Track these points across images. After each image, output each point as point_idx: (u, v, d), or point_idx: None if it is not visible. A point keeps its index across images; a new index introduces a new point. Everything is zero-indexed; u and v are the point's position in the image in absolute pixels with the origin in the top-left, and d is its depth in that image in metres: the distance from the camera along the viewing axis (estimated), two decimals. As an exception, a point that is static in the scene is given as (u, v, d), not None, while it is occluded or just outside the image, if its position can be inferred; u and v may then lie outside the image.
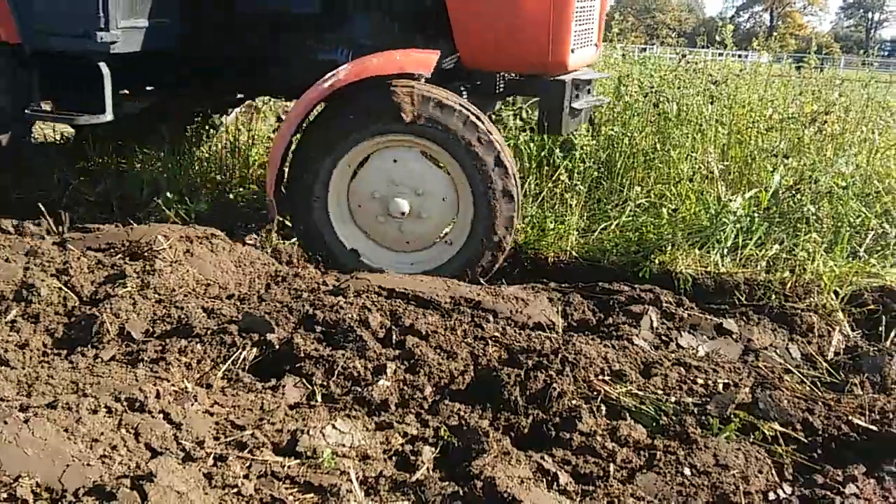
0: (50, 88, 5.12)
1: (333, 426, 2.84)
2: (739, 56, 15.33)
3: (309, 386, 3.16)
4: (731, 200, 5.11)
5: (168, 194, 5.52)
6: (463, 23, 4.73)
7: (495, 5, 4.64)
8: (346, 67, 4.39)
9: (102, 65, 4.83)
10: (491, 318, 3.64)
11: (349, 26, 5.21)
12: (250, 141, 6.87)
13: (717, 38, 7.51)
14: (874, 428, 2.90)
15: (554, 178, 5.72)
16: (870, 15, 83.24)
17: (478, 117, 4.39)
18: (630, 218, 5.41)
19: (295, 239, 4.81)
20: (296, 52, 5.30)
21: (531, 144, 5.94)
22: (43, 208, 4.86)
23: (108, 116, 4.97)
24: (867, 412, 3.01)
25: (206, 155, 6.75)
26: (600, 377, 3.18)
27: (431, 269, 4.54)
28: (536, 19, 4.59)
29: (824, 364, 3.54)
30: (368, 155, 4.54)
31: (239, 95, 6.43)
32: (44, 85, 5.07)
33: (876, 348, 3.74)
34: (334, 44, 5.20)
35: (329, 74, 4.39)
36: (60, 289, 3.71)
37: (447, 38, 4.86)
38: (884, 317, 4.10)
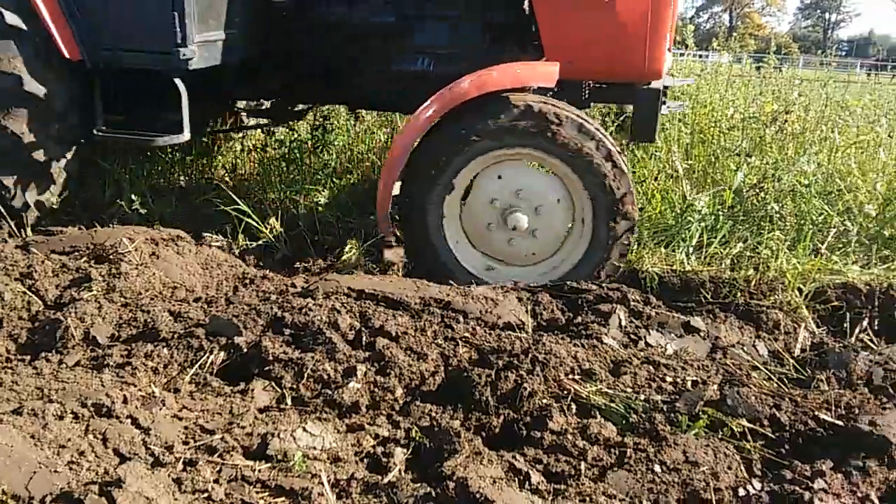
0: (113, 106, 4.91)
1: (304, 429, 2.82)
2: (700, 56, 15.49)
3: (278, 389, 3.14)
4: (695, 199, 5.15)
5: (132, 196, 5.46)
6: (554, 31, 4.65)
7: (591, 14, 4.55)
8: (465, 81, 4.26)
9: (179, 81, 4.68)
10: (461, 319, 3.64)
11: (428, 35, 5.12)
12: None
13: (678, 38, 7.57)
14: (840, 423, 2.93)
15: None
16: (827, 15, 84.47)
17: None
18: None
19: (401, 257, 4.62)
20: (374, 61, 5.19)
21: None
22: (3, 211, 4.78)
23: (186, 136, 4.81)
24: (833, 407, 3.04)
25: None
26: (570, 376, 3.19)
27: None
28: (635, 26, 4.51)
29: (791, 360, 3.59)
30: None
31: (302, 106, 6.23)
32: (107, 103, 4.86)
33: (841, 344, 3.79)
34: (414, 53, 5.10)
35: (446, 88, 4.26)
36: (24, 293, 3.66)
37: (531, 46, 4.81)
38: (847, 313, 4.15)
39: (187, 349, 3.29)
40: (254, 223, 4.99)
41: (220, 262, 4.24)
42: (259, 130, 7.03)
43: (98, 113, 4.83)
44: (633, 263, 4.75)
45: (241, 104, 6.60)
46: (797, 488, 2.60)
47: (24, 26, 4.54)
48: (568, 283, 4.14)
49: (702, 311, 4.07)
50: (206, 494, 2.47)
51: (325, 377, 3.16)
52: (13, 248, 4.08)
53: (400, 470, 2.71)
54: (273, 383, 3.16)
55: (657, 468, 2.70)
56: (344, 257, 4.79)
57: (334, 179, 6.33)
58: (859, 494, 2.63)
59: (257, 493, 2.54)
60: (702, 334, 3.73)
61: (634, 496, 2.60)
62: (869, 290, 4.30)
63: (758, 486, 2.67)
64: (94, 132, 4.82)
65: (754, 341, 3.75)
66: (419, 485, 2.58)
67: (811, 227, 5.12)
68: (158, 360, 3.23)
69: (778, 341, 3.79)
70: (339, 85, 5.33)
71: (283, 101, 6.00)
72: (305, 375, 3.16)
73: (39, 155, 4.74)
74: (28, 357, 3.29)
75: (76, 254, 4.07)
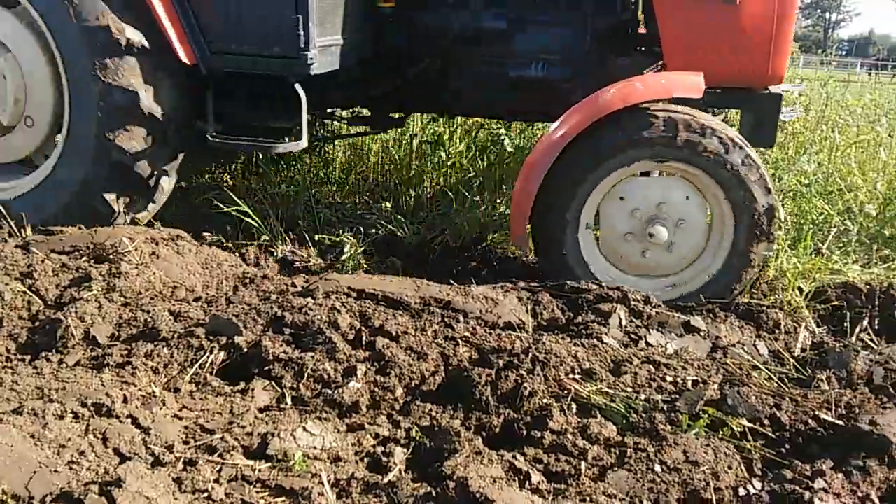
0: (224, 112, 4.83)
1: (304, 429, 2.82)
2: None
3: (278, 389, 3.14)
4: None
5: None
6: (675, 36, 4.57)
7: (716, 16, 4.46)
8: (608, 92, 4.17)
9: (298, 87, 4.62)
10: (461, 319, 3.63)
11: (537, 40, 5.04)
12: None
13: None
14: (841, 423, 2.93)
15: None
16: (827, 15, 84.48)
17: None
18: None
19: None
20: (483, 67, 5.12)
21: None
22: (4, 211, 4.78)
23: (304, 143, 4.77)
24: (834, 407, 3.05)
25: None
26: (570, 376, 3.19)
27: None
28: (761, 31, 4.43)
29: (791, 360, 3.59)
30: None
31: (399, 115, 6.08)
32: (219, 108, 4.79)
33: (841, 344, 3.79)
34: (525, 58, 5.03)
35: (590, 99, 4.19)
36: (24, 293, 3.65)
37: (646, 51, 4.76)
38: (848, 313, 4.16)
39: (187, 349, 3.28)
40: (254, 223, 4.99)
41: (221, 262, 4.24)
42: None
43: (210, 118, 4.76)
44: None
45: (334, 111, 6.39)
46: (797, 488, 2.60)
47: (145, 42, 4.47)
48: (568, 282, 4.14)
49: (702, 310, 4.07)
50: (206, 494, 2.47)
51: (326, 377, 3.16)
52: (13, 247, 4.07)
53: (400, 469, 2.71)
54: (273, 383, 3.16)
55: (657, 468, 2.70)
56: (344, 257, 4.79)
57: (340, 175, 6.32)
58: (859, 494, 2.63)
59: (257, 492, 2.54)
60: (702, 334, 3.72)
61: (635, 496, 2.60)
62: (869, 289, 4.30)
63: (758, 485, 2.68)
64: (208, 138, 4.75)
65: (755, 341, 3.75)
66: (419, 484, 2.58)
67: (811, 226, 5.12)
68: (158, 359, 3.23)
69: (778, 341, 3.79)
70: (445, 91, 5.23)
71: (382, 108, 5.82)
72: (305, 375, 3.16)
73: (149, 167, 4.67)
74: (28, 357, 3.29)
75: (76, 253, 4.07)
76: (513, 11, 5.07)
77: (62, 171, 4.67)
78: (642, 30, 5.27)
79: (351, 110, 6.34)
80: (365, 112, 6.17)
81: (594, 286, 4.10)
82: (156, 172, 4.72)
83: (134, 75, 4.46)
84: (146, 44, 4.48)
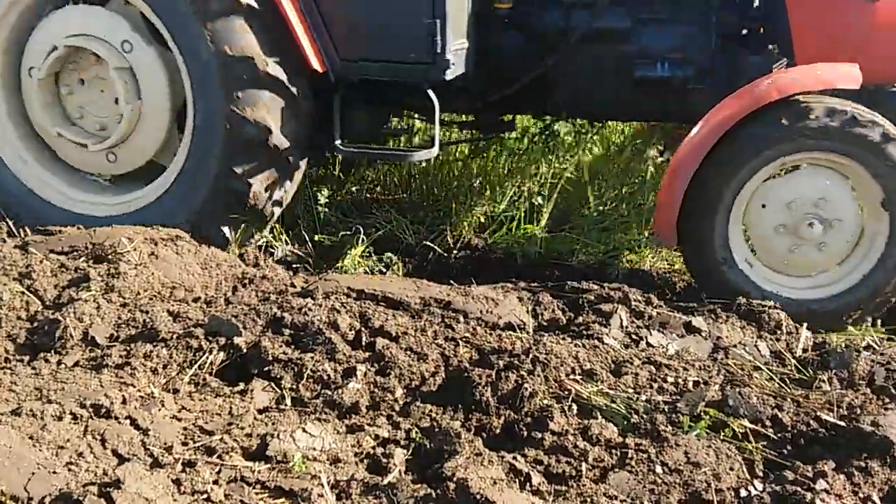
0: (349, 120, 4.74)
1: (303, 430, 2.82)
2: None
3: (278, 389, 3.13)
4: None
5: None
6: (808, 33, 4.49)
7: (853, 15, 4.40)
8: (763, 83, 4.09)
9: (431, 93, 4.51)
10: (461, 319, 3.62)
11: (661, 39, 4.92)
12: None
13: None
14: (842, 423, 2.92)
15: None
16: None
17: None
18: (599, 216, 5.43)
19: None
20: (606, 67, 4.97)
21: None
22: (2, 211, 4.77)
23: (436, 150, 4.69)
24: (835, 408, 3.04)
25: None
26: (571, 377, 3.18)
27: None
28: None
29: (793, 361, 3.57)
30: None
31: (508, 118, 5.84)
32: (346, 117, 4.70)
33: (843, 344, 3.78)
34: (649, 57, 4.88)
35: (744, 90, 4.12)
36: (23, 293, 3.64)
37: (774, 49, 4.69)
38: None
39: (186, 349, 3.28)
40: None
41: (220, 262, 4.22)
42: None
43: (336, 127, 4.67)
44: (635, 263, 4.76)
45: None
46: (799, 489, 2.59)
47: (282, 76, 4.38)
48: (568, 282, 4.12)
49: (703, 311, 4.05)
50: (205, 495, 2.47)
51: (325, 377, 3.15)
52: (12, 247, 4.06)
53: (400, 471, 2.70)
54: (272, 384, 3.15)
55: (659, 469, 2.69)
56: (346, 260, 4.79)
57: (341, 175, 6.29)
58: (861, 495, 2.63)
59: (256, 493, 2.54)
60: (703, 334, 3.71)
61: (636, 497, 2.60)
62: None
63: (759, 486, 2.67)
64: (339, 147, 4.67)
65: (756, 341, 3.73)
66: (419, 486, 2.58)
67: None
68: (157, 360, 3.22)
69: (780, 341, 3.77)
70: (561, 92, 5.08)
71: (492, 112, 5.58)
72: (305, 376, 3.16)
73: (267, 198, 4.61)
74: (27, 357, 3.28)
75: (75, 254, 4.06)
76: (636, 10, 4.94)
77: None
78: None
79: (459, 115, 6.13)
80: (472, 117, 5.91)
81: (595, 286, 4.09)
82: (273, 202, 4.66)
83: (268, 112, 4.38)
84: (283, 76, 4.40)
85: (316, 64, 4.44)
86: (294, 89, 4.46)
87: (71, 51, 4.55)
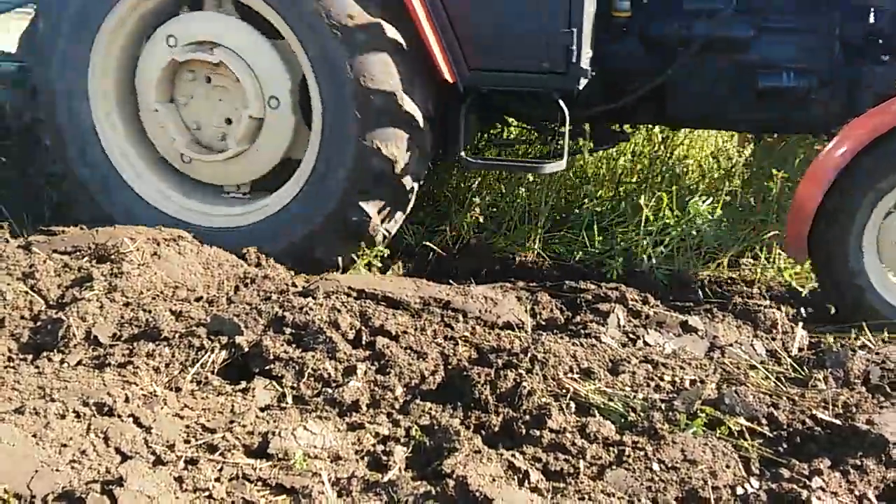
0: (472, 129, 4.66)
1: (305, 427, 2.84)
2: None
3: (279, 388, 3.16)
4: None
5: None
6: None
7: None
8: None
9: (562, 103, 4.45)
10: (461, 318, 3.65)
11: (785, 48, 4.82)
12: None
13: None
14: (838, 422, 2.94)
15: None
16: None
17: None
18: (597, 216, 5.45)
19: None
20: (728, 76, 4.88)
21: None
22: (6, 210, 4.79)
23: (564, 163, 4.63)
24: (831, 406, 3.06)
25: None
26: (569, 375, 3.20)
27: None
28: None
29: (788, 360, 3.60)
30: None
31: (615, 127, 5.74)
32: (470, 126, 4.65)
33: (839, 343, 3.80)
34: (773, 67, 4.77)
35: (882, 107, 4.01)
36: (26, 293, 3.66)
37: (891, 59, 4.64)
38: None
39: (188, 348, 3.30)
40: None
41: (222, 262, 4.24)
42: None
43: (461, 137, 4.61)
44: (632, 263, 4.78)
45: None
46: (795, 487, 2.61)
47: (417, 113, 4.35)
48: (567, 282, 4.14)
49: (699, 310, 4.08)
50: (207, 493, 2.49)
51: (326, 376, 3.18)
52: (15, 247, 4.08)
53: (400, 468, 2.73)
54: (274, 382, 3.18)
55: (655, 466, 2.71)
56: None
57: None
58: (857, 493, 2.64)
59: (258, 491, 2.56)
60: (700, 333, 3.73)
61: (633, 494, 2.61)
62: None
63: (756, 484, 2.68)
64: (465, 158, 4.63)
65: (752, 340, 3.75)
66: (419, 483, 2.59)
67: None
68: (160, 359, 3.25)
69: (775, 340, 3.80)
70: (678, 102, 4.99)
71: (605, 122, 5.49)
72: (306, 374, 3.18)
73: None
74: (30, 356, 3.31)
75: (78, 253, 4.07)
76: (759, 19, 4.84)
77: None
78: None
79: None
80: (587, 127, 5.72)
81: (592, 286, 4.11)
82: (385, 230, 4.62)
83: (399, 150, 4.36)
84: (418, 114, 4.38)
85: (447, 74, 4.40)
86: (425, 125, 4.45)
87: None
